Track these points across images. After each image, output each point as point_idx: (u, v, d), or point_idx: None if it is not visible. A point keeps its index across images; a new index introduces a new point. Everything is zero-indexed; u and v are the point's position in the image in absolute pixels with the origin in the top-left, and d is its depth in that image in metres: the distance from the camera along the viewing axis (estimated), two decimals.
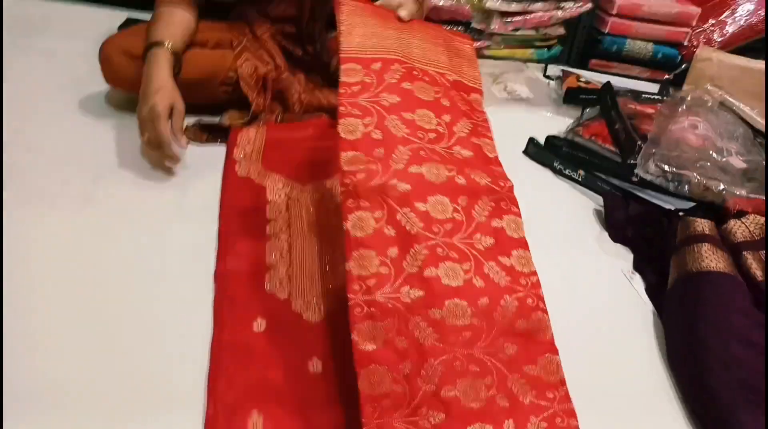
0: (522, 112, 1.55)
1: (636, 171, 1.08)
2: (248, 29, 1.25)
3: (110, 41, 1.12)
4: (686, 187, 1.01)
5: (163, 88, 1.00)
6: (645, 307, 0.98)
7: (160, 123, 0.98)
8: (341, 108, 0.81)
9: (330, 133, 1.21)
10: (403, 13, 0.96)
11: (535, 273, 0.75)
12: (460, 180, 0.79)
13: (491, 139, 0.87)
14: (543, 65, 1.80)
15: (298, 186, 1.07)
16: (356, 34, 0.88)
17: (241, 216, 0.99)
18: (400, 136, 0.81)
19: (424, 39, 0.98)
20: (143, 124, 1.00)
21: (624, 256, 1.08)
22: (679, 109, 1.14)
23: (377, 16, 0.94)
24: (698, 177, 1.00)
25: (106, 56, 1.10)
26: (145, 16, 1.16)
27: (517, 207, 0.80)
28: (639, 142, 1.15)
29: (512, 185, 0.83)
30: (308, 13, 1.19)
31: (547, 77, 1.76)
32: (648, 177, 1.04)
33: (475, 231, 0.75)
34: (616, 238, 1.10)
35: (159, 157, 1.03)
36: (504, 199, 0.80)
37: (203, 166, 1.10)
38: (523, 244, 0.77)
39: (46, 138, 1.09)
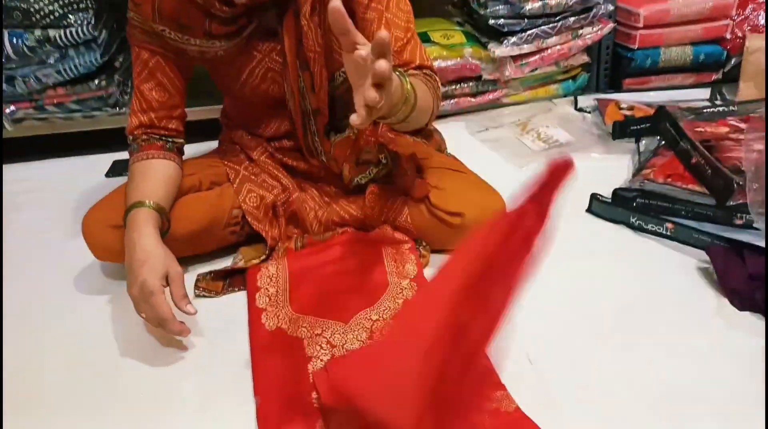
0: None
1: (756, 225, 0.86)
2: (243, 155, 1.10)
3: (90, 216, 0.98)
4: None
5: (150, 257, 0.84)
6: None
7: (156, 300, 0.81)
8: None
9: (359, 248, 1.03)
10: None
11: None
12: None
13: None
14: (572, 98, 1.61)
15: (339, 326, 0.88)
16: None
17: (282, 392, 0.79)
18: None
19: None
20: (137, 304, 0.84)
21: (759, 329, 0.85)
22: None
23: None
24: None
25: (89, 233, 0.97)
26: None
27: None
28: (736, 180, 0.93)
29: None
30: (301, 128, 1.03)
31: (580, 110, 1.56)
32: None
33: None
34: (742, 305, 0.87)
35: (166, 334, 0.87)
36: None
37: (224, 325, 0.92)
38: None
39: (39, 330, 0.94)
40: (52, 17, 1.31)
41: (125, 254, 0.87)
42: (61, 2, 1.32)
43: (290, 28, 0.93)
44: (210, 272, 1.01)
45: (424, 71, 0.96)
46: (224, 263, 1.05)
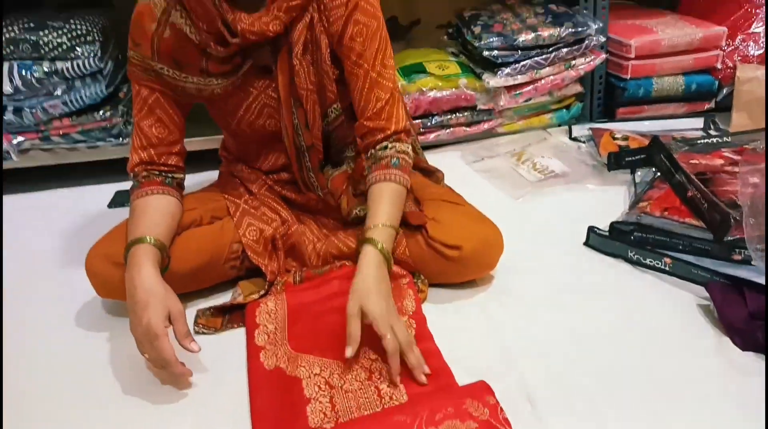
0: (562, 191, 1.36)
1: (755, 264, 0.86)
2: (243, 188, 1.11)
3: (93, 253, 0.98)
4: None
5: (152, 298, 0.84)
6: None
7: (160, 343, 0.82)
8: None
9: None
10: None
11: None
12: None
13: None
14: (567, 127, 1.63)
15: (338, 366, 0.88)
16: None
17: None
18: None
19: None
20: (141, 345, 0.85)
21: (762, 368, 0.84)
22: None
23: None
24: None
25: (92, 270, 0.97)
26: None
27: None
28: (733, 214, 0.94)
29: None
30: (296, 163, 1.05)
31: (575, 140, 1.58)
32: None
33: None
34: (745, 345, 0.87)
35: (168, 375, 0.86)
36: None
37: (223, 362, 0.92)
38: None
39: (36, 362, 0.93)
40: (60, 50, 1.34)
41: (126, 293, 0.86)
42: (69, 35, 1.35)
43: (284, 66, 0.96)
44: (210, 308, 1.01)
45: (397, 147, 0.98)
46: (223, 298, 1.05)
